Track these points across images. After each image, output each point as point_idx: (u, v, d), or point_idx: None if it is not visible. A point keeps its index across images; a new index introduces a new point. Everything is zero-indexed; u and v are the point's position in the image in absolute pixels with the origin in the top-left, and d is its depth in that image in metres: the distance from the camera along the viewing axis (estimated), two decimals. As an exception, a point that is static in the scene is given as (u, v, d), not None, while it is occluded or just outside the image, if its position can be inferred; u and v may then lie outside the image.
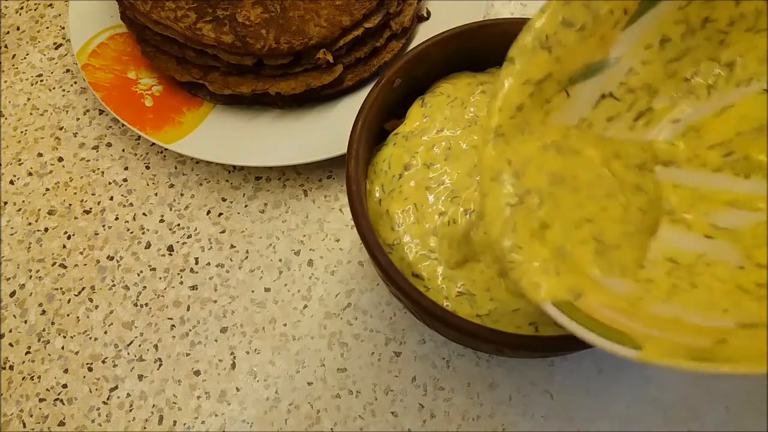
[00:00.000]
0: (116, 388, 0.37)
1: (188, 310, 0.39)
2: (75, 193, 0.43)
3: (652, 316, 0.22)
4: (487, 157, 0.25)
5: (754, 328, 0.21)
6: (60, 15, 0.50)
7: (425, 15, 0.46)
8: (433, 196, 0.33)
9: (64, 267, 0.41)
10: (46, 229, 0.42)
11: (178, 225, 0.42)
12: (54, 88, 0.47)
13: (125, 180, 0.43)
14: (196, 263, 0.40)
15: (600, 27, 0.26)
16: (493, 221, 0.24)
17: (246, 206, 0.42)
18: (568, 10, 0.26)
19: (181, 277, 0.40)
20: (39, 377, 0.37)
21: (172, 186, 0.43)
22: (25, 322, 0.39)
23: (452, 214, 0.33)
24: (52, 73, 0.48)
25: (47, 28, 0.50)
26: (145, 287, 0.40)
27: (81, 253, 0.41)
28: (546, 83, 0.26)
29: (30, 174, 0.44)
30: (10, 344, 0.38)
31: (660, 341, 0.21)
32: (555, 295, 0.23)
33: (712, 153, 0.27)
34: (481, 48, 0.36)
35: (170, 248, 0.41)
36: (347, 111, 0.43)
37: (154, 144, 0.44)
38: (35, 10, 0.50)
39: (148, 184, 0.43)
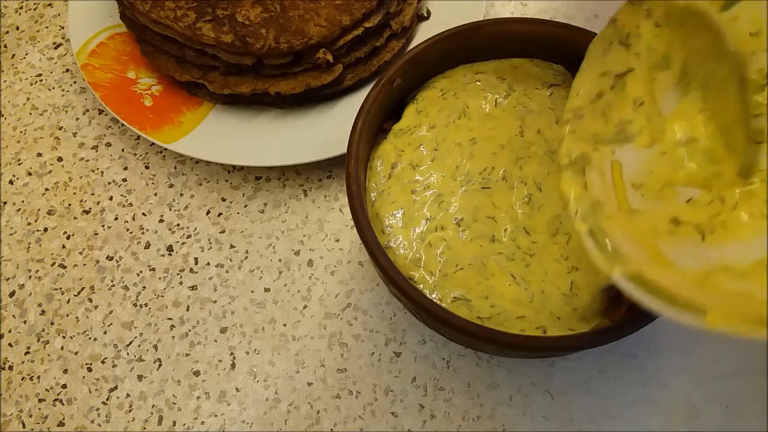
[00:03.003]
0: (116, 388, 0.37)
1: (188, 310, 0.39)
2: (74, 193, 0.43)
3: (721, 289, 0.23)
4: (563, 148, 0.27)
5: None
6: (59, 14, 0.50)
7: (425, 14, 0.46)
8: (419, 200, 0.33)
9: (64, 267, 0.41)
10: (46, 229, 0.42)
11: (178, 225, 0.42)
12: (53, 88, 0.47)
13: (125, 180, 0.43)
14: (196, 263, 0.40)
15: None
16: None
17: (246, 206, 0.42)
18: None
19: (181, 277, 0.40)
20: (38, 377, 0.37)
21: (171, 186, 0.43)
22: (25, 322, 0.39)
23: (440, 220, 0.32)
24: (51, 72, 0.48)
25: (47, 27, 0.50)
26: (144, 287, 0.40)
27: (80, 253, 0.41)
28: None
29: (29, 174, 0.44)
30: (10, 344, 0.38)
31: (725, 308, 0.21)
32: (625, 268, 0.24)
33: None
34: (482, 47, 0.36)
35: (170, 248, 0.41)
36: (347, 111, 0.43)
37: (153, 144, 0.44)
38: (35, 9, 0.50)
39: (147, 184, 0.43)
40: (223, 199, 0.42)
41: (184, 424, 0.36)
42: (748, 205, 0.26)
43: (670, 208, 0.27)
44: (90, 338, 0.38)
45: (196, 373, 0.37)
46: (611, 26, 0.29)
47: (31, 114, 0.46)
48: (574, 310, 0.30)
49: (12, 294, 0.40)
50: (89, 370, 0.37)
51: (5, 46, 0.49)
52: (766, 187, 0.25)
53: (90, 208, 0.42)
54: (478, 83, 0.35)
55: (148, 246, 0.41)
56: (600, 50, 0.29)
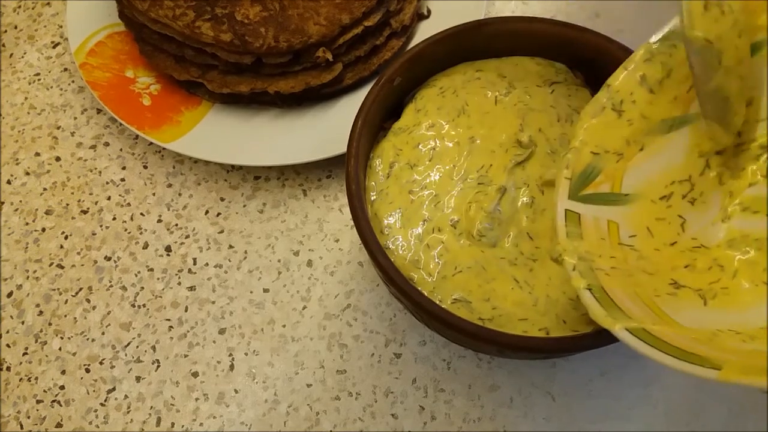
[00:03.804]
0: (114, 389, 0.37)
1: (186, 311, 0.39)
2: (72, 193, 0.43)
3: (728, 347, 0.22)
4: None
5: None
6: (58, 13, 0.50)
7: (425, 13, 0.46)
8: (416, 200, 0.32)
9: (62, 267, 0.40)
10: (44, 229, 0.42)
11: (176, 225, 0.41)
12: (51, 87, 0.47)
13: (123, 180, 0.43)
14: (194, 264, 0.40)
15: (676, 87, 0.27)
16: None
17: (244, 206, 0.42)
18: (649, 67, 0.27)
19: (179, 277, 0.40)
20: (36, 378, 0.37)
21: (170, 186, 0.43)
22: (23, 322, 0.39)
23: (437, 222, 0.32)
24: (49, 71, 0.47)
25: (45, 26, 0.49)
26: (142, 288, 0.39)
27: (78, 253, 0.41)
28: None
29: (27, 173, 0.44)
30: (8, 345, 0.38)
31: (738, 362, 0.20)
32: (629, 323, 0.23)
33: None
34: (482, 46, 0.36)
35: (168, 248, 0.41)
36: (347, 110, 0.42)
37: (152, 143, 0.44)
38: (33, 8, 0.50)
39: (145, 184, 0.43)
40: (222, 199, 0.42)
41: (183, 426, 0.36)
42: (749, 273, 0.25)
43: (670, 273, 0.26)
44: (88, 339, 0.38)
45: (195, 375, 0.37)
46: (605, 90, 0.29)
47: (29, 113, 0.46)
48: (581, 315, 0.30)
49: (10, 294, 0.40)
50: (87, 371, 0.37)
51: (3, 45, 0.49)
52: (765, 255, 0.25)
53: (88, 208, 0.42)
54: (478, 80, 0.35)
55: (146, 246, 0.41)
56: (591, 113, 0.29)
